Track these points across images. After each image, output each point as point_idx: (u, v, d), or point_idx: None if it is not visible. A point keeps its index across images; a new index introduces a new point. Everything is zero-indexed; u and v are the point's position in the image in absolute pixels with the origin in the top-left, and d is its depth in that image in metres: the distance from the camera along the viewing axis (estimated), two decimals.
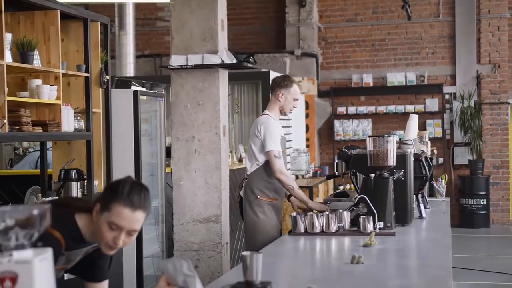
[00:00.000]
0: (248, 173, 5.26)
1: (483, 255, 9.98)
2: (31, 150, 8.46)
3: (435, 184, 6.32)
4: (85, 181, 5.62)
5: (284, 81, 5.29)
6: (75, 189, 5.50)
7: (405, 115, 12.32)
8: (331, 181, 11.06)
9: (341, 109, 12.70)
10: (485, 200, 12.01)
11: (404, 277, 3.11)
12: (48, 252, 1.81)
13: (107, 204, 2.51)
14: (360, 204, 4.34)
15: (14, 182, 6.37)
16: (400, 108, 12.45)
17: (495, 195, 12.32)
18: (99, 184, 5.87)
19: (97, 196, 2.68)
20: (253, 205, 5.16)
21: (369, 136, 4.42)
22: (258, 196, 5.14)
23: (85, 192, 5.65)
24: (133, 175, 6.13)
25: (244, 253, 2.67)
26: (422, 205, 4.96)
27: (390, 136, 4.37)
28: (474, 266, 8.74)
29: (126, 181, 2.56)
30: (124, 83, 6.44)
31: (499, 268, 8.56)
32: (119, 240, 2.51)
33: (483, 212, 12.03)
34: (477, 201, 11.98)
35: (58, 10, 5.22)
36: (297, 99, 5.32)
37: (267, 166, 5.12)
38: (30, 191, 5.76)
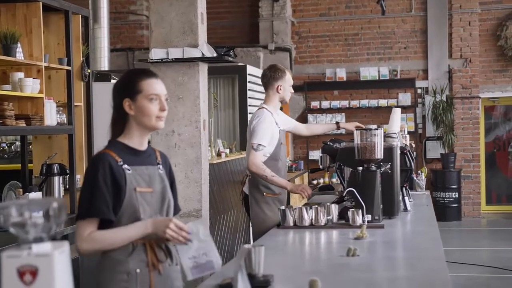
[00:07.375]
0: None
1: (455, 247, 10.09)
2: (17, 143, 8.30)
3: (415, 178, 6.36)
4: (67, 175, 5.55)
5: (278, 73, 5.29)
6: (58, 184, 5.43)
7: (378, 110, 12.43)
8: (305, 175, 11.12)
9: (314, 104, 12.74)
10: (456, 193, 12.17)
11: (400, 269, 3.14)
12: (65, 246, 1.79)
13: (135, 90, 2.79)
14: (346, 197, 4.35)
15: None
16: (373, 102, 12.52)
17: (467, 189, 12.48)
18: (81, 179, 5.81)
19: (119, 99, 2.83)
20: (259, 203, 5.11)
21: (357, 129, 4.44)
22: (264, 193, 5.09)
23: (67, 187, 5.58)
24: None
25: (247, 246, 2.67)
26: (406, 198, 5.00)
27: (377, 129, 4.38)
28: (447, 258, 8.83)
29: (129, 71, 2.88)
30: (104, 76, 6.38)
31: (471, 260, 8.68)
32: (163, 106, 2.81)
33: (455, 205, 12.18)
34: (449, 194, 12.13)
35: (41, 2, 5.15)
36: (292, 83, 5.42)
37: (270, 161, 5.05)
38: (8, 187, 5.66)
